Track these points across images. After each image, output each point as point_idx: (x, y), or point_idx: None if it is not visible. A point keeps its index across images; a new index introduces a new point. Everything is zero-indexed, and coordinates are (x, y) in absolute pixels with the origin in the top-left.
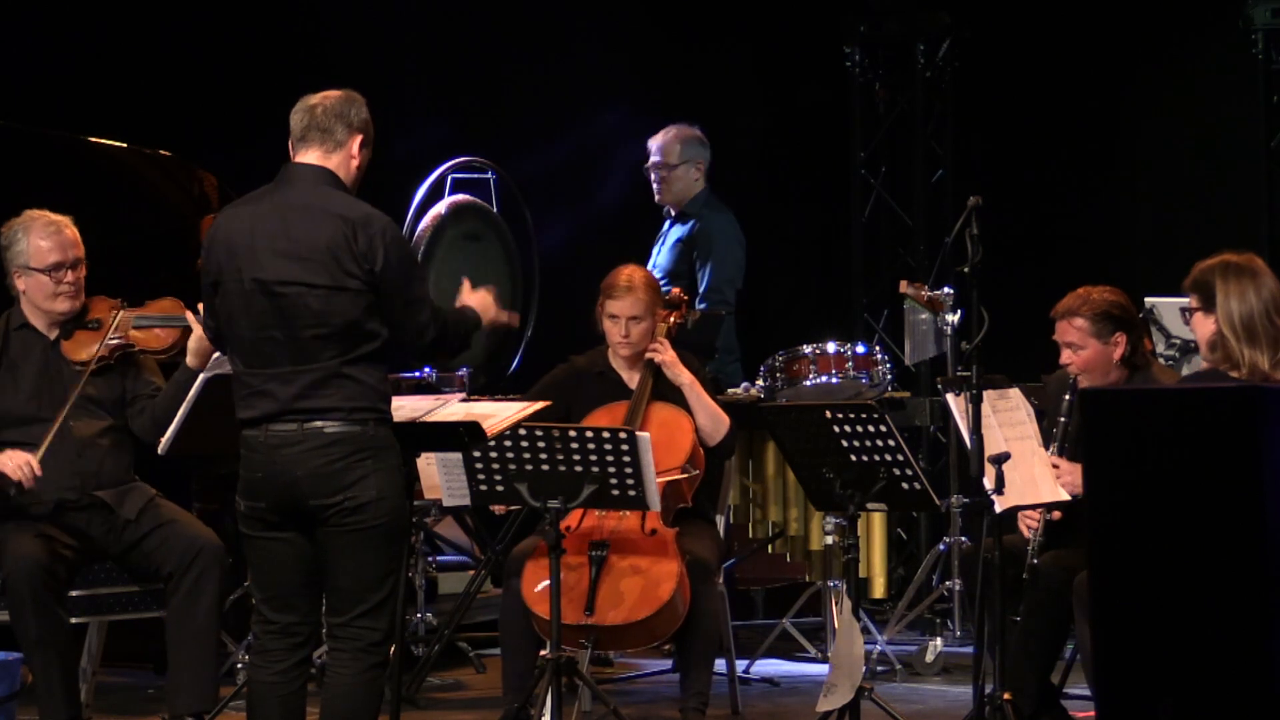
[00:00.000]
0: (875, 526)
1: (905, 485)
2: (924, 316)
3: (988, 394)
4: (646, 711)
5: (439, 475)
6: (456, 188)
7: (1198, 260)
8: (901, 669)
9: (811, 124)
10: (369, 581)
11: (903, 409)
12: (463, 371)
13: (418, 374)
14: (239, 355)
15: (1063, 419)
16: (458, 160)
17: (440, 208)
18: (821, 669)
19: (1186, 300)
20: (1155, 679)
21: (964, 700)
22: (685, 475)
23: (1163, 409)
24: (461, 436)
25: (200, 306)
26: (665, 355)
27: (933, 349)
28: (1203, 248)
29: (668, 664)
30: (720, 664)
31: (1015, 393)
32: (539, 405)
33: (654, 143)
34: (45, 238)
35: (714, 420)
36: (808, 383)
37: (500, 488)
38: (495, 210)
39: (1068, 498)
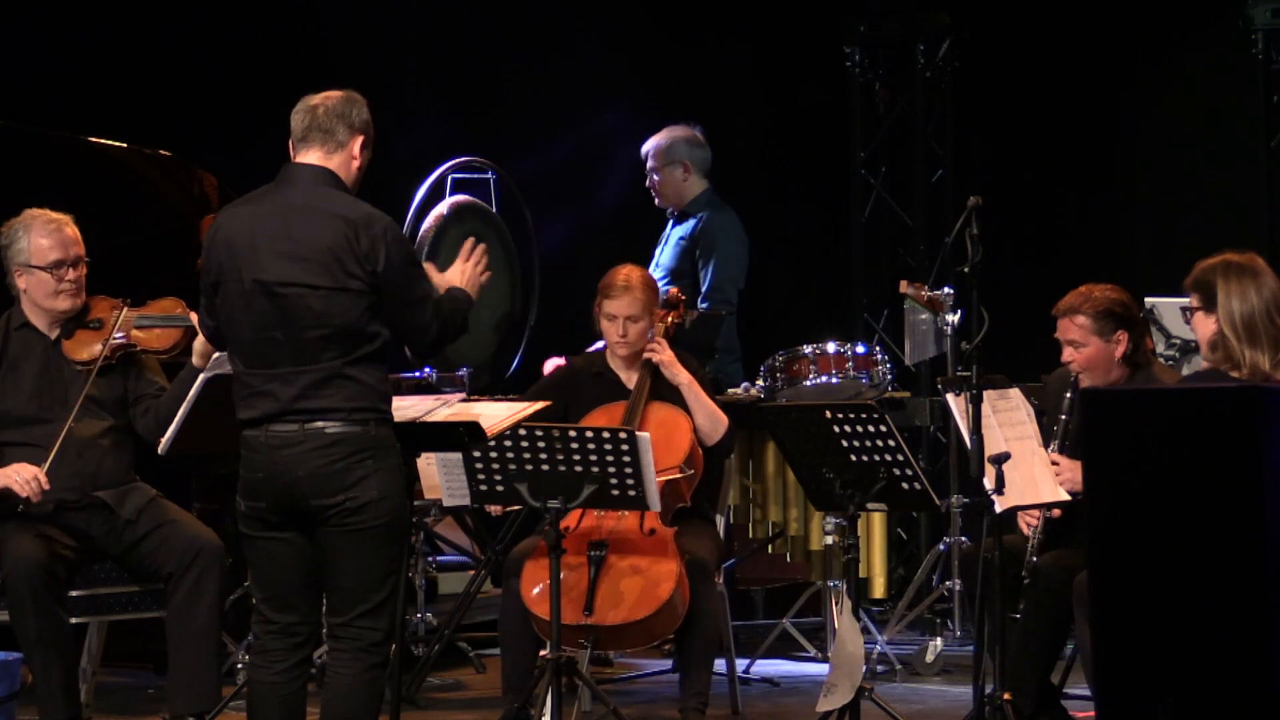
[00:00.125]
0: (875, 526)
1: (905, 485)
2: (924, 316)
3: (988, 394)
4: (646, 711)
5: (439, 475)
6: (456, 188)
7: (1198, 260)
8: (901, 669)
9: (811, 124)
10: (369, 581)
11: (903, 409)
12: (463, 371)
13: (418, 374)
14: (239, 355)
15: (1064, 417)
16: (458, 160)
17: (442, 208)
18: (821, 669)
19: (1187, 300)
20: (1155, 679)
21: (964, 700)
22: (683, 475)
23: (1163, 409)
24: (461, 436)
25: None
26: (663, 355)
27: (933, 349)
28: (1203, 248)
29: (668, 664)
30: (720, 664)
31: (1015, 393)
32: (539, 405)
33: (644, 147)
34: (46, 236)
35: (712, 420)
36: (808, 383)
37: (500, 488)
38: (495, 211)
39: (1068, 498)
